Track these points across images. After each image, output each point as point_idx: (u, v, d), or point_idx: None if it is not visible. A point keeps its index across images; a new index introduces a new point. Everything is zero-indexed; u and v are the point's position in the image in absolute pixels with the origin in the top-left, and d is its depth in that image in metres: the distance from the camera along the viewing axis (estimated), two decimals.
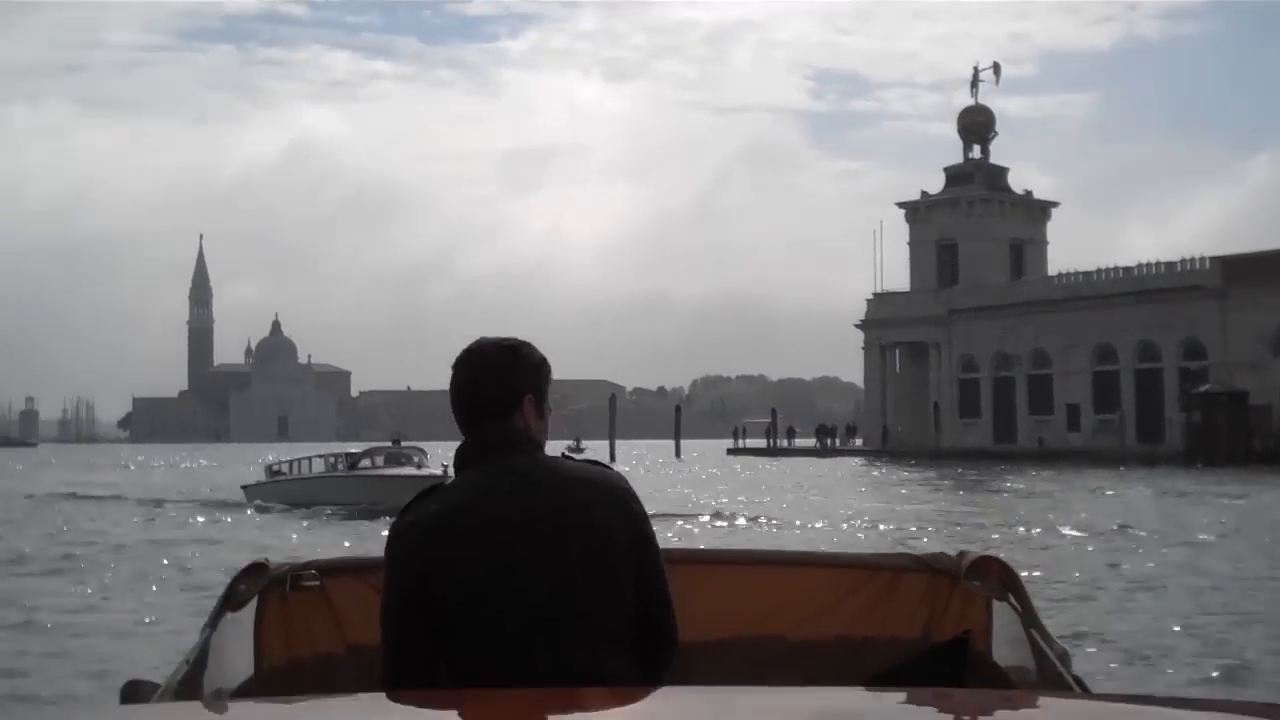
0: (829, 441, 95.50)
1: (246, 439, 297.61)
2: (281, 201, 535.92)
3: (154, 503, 37.86)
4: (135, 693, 3.32)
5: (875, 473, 58.74)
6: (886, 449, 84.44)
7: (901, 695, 2.39)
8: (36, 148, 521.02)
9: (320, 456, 38.23)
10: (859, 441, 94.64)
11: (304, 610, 3.70)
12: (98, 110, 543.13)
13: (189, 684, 3.31)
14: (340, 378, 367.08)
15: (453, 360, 2.99)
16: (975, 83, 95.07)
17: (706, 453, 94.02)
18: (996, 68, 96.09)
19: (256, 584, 3.65)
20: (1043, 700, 2.63)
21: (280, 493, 36.38)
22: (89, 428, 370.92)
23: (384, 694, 2.73)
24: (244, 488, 39.04)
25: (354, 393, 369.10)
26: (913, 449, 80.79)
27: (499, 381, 2.96)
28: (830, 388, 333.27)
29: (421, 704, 2.37)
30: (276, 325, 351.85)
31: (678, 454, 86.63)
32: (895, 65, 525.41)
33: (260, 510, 34.12)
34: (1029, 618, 3.50)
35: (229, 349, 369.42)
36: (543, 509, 2.85)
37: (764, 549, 5.13)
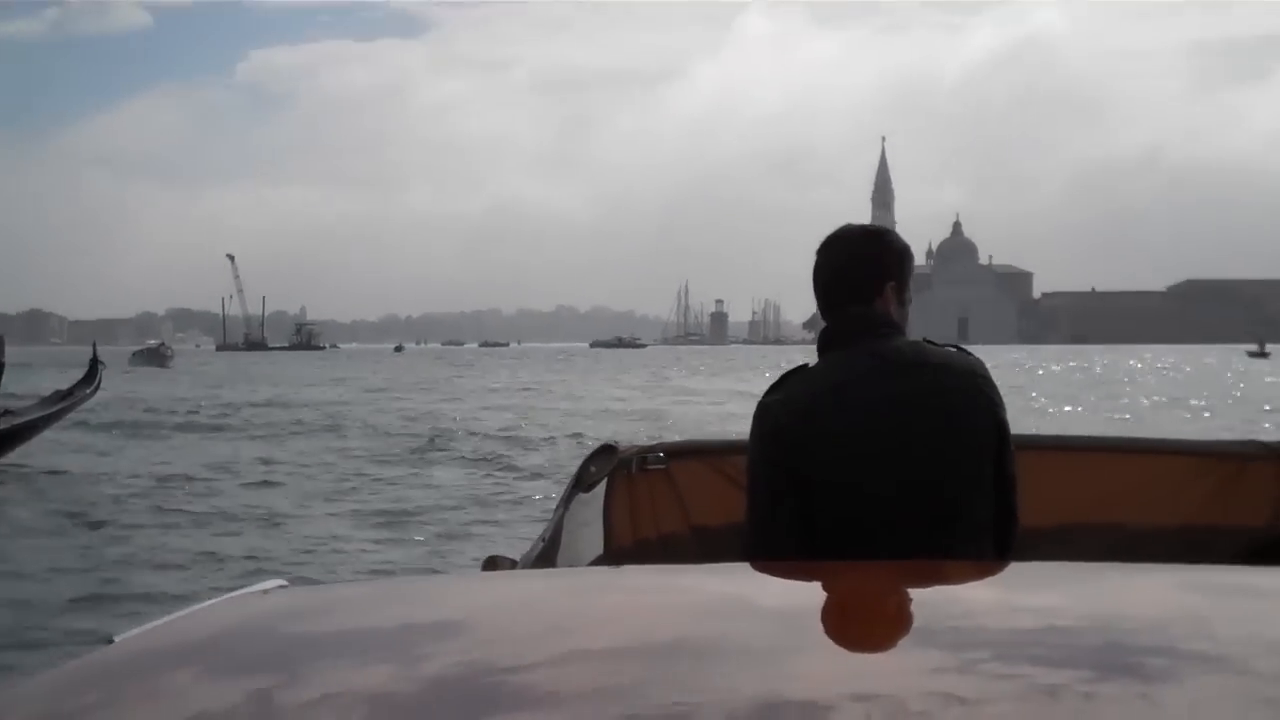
0: None
1: None
2: (978, 106, 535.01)
3: None
4: (495, 566, 3.43)
5: None
6: None
7: (1266, 574, 2.15)
8: (764, 57, 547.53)
9: None
10: None
11: (650, 491, 3.78)
12: (806, 20, 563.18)
13: (544, 560, 3.48)
14: (1021, 279, 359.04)
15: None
16: None
17: None
18: None
19: (606, 466, 3.76)
20: None
21: None
22: (775, 329, 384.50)
23: (746, 563, 2.63)
24: None
25: (1035, 294, 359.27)
26: None
27: (864, 265, 2.95)
28: None
29: (778, 574, 2.20)
30: (957, 226, 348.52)
31: None
32: None
33: None
34: None
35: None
36: (905, 393, 2.82)
37: (1106, 435, 4.67)
